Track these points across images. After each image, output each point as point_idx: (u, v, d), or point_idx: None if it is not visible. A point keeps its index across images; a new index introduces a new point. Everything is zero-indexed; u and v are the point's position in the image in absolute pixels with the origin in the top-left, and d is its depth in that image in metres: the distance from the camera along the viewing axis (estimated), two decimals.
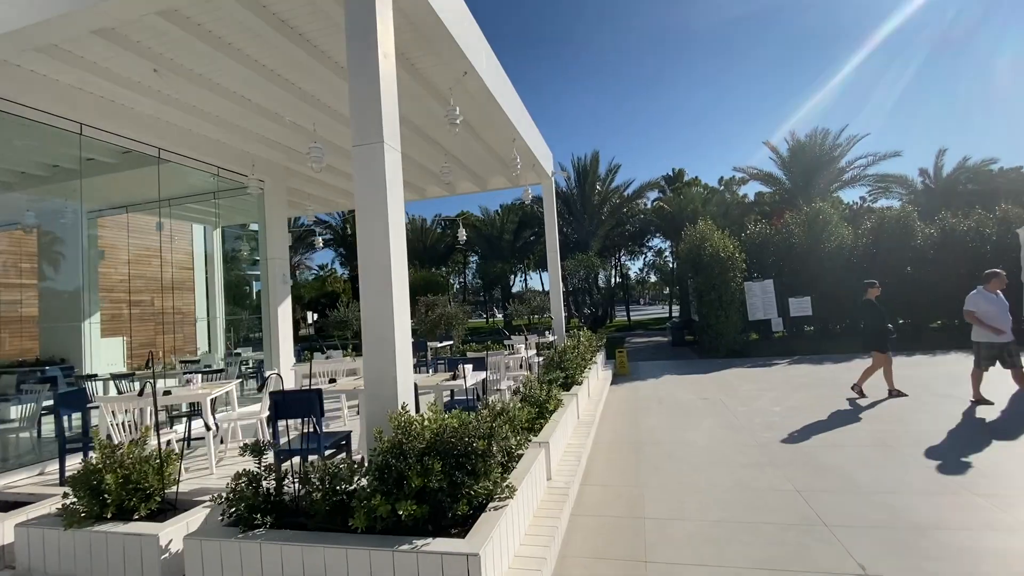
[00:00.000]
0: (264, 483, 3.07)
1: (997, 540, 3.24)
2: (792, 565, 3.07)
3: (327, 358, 8.37)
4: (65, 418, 5.45)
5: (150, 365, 9.04)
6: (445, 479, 2.69)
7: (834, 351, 12.75)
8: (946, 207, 17.76)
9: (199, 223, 12.27)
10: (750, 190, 34.38)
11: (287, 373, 7.86)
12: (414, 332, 19.84)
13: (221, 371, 6.47)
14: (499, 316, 40.34)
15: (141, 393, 4.25)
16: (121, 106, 6.54)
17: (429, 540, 2.53)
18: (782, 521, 3.67)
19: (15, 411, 6.95)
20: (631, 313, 38.28)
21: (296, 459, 4.08)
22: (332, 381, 5.29)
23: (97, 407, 4.72)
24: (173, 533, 3.07)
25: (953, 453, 4.86)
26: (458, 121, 5.82)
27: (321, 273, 43.41)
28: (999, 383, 6.90)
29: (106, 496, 3.25)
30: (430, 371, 9.25)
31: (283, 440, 4.11)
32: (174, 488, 3.44)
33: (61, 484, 4.62)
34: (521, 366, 7.13)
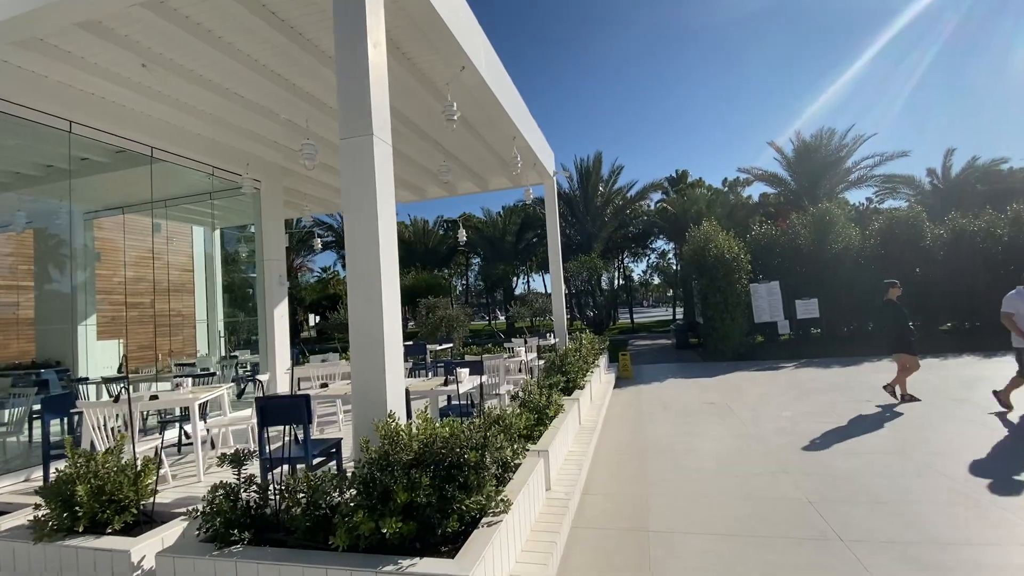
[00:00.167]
0: (245, 495, 2.90)
1: None
2: None
3: (323, 361, 8.19)
4: (58, 422, 5.34)
5: (122, 370, 8.82)
6: (434, 493, 2.49)
7: (842, 354, 12.51)
8: (955, 208, 17.47)
9: (197, 224, 12.13)
10: (754, 191, 34.16)
11: (282, 376, 7.69)
12: (414, 335, 19.72)
13: (213, 374, 6.29)
14: (502, 318, 40.13)
15: (117, 399, 4.08)
16: (111, 103, 6.40)
17: (416, 560, 2.34)
18: (795, 535, 3.46)
19: (4, 415, 6.82)
20: (634, 315, 38.02)
21: (286, 468, 3.91)
22: (324, 386, 5.10)
23: (80, 412, 4.55)
24: (146, 549, 2.89)
25: (974, 461, 4.64)
26: (455, 117, 5.65)
27: (324, 275, 43.34)
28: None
29: (77, 508, 3.08)
30: (429, 374, 9.06)
31: (276, 446, 3.94)
32: (153, 499, 3.26)
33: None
34: (520, 370, 6.94)
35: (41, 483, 4.80)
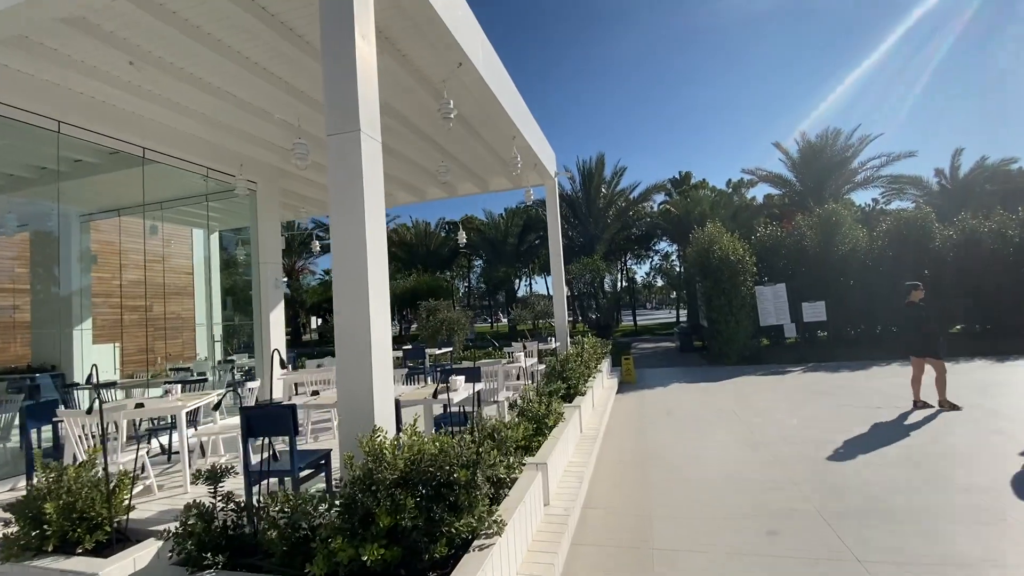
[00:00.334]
0: (222, 514, 2.72)
1: None
2: None
3: (319, 366, 8.02)
4: (50, 429, 5.18)
5: (91, 381, 8.63)
6: (420, 516, 2.31)
7: (850, 357, 12.27)
8: (964, 209, 17.19)
9: (194, 226, 11.97)
10: (759, 193, 33.87)
11: (276, 382, 7.52)
12: (414, 338, 19.52)
13: (204, 380, 6.13)
14: (504, 321, 39.94)
15: (90, 411, 3.91)
16: (101, 103, 6.26)
17: None
18: (807, 554, 3.26)
19: None
20: (638, 318, 37.76)
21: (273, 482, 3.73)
22: (315, 393, 4.92)
23: (61, 420, 4.39)
24: (116, 572, 2.71)
25: (994, 472, 4.42)
26: (452, 115, 5.49)
27: (326, 277, 43.23)
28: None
29: (47, 527, 2.90)
30: (428, 379, 8.88)
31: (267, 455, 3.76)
32: (127, 516, 3.08)
33: None
34: (519, 377, 6.75)
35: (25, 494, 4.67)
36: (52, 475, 3.05)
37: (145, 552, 2.89)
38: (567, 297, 29.43)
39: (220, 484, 2.73)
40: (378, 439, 2.57)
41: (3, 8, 4.19)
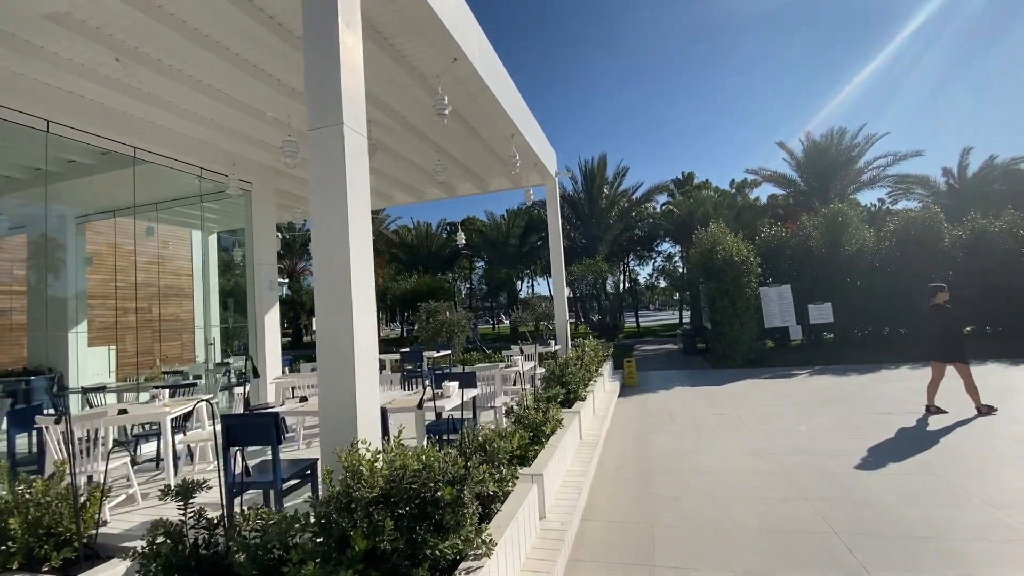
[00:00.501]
0: (194, 531, 2.55)
1: None
2: None
3: (314, 370, 7.85)
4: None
5: (55, 390, 8.45)
6: (401, 538, 2.13)
7: (857, 360, 12.02)
8: (973, 208, 16.90)
9: (191, 228, 11.84)
10: (763, 193, 33.63)
11: (270, 385, 7.36)
12: (414, 340, 19.31)
13: (194, 385, 5.97)
14: (506, 323, 39.74)
15: (59, 420, 3.75)
16: (90, 102, 6.12)
17: None
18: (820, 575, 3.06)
19: None
20: (640, 319, 37.50)
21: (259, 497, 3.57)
22: (304, 399, 4.75)
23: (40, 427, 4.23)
24: None
25: (1020, 484, 4.20)
26: (446, 112, 5.32)
27: None
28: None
29: (11, 543, 2.74)
30: (426, 382, 8.70)
31: (255, 462, 3.60)
32: (96, 532, 2.91)
33: None
34: (514, 382, 6.57)
35: None
36: (20, 487, 2.89)
37: (113, 572, 2.72)
38: (569, 299, 29.20)
39: (192, 499, 2.56)
40: (357, 454, 2.39)
41: None
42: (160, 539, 2.42)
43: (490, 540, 2.46)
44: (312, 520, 2.22)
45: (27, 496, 2.91)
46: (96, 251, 10.92)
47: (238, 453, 3.18)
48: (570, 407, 5.80)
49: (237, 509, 2.92)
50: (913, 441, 5.61)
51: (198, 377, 10.77)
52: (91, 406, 6.61)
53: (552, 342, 10.48)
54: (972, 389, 6.52)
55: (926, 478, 4.50)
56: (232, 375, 10.60)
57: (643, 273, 41.51)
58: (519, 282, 38.77)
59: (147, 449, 6.21)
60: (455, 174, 9.86)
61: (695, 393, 9.50)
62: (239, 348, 12.49)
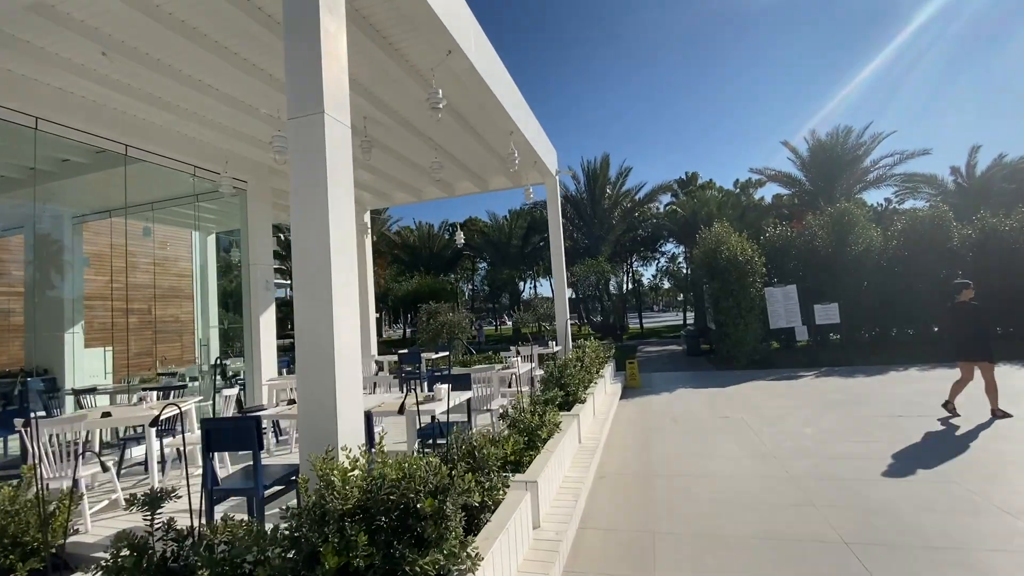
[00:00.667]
0: (163, 543, 2.40)
1: None
2: None
3: None
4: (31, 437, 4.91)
5: (47, 391, 8.31)
6: (376, 554, 1.97)
7: (865, 362, 11.79)
8: (982, 207, 16.63)
9: (188, 228, 11.74)
10: (767, 193, 33.37)
11: (264, 387, 7.22)
12: (414, 341, 19.21)
13: (183, 387, 5.84)
14: (509, 324, 39.58)
15: (27, 424, 3.61)
16: (80, 98, 6.00)
17: None
18: None
19: None
20: (644, 320, 37.26)
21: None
22: (292, 402, 4.61)
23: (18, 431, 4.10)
24: None
25: None
26: (441, 106, 5.17)
27: None
28: None
29: None
30: (425, 385, 8.56)
31: (240, 467, 3.46)
32: (63, 542, 2.77)
33: None
34: (510, 384, 6.40)
35: None
36: None
37: None
38: (571, 299, 28.93)
39: (160, 508, 2.41)
40: (332, 461, 2.24)
41: None
42: (125, 552, 2.27)
43: (476, 554, 2.30)
44: (283, 533, 2.06)
45: None
46: (93, 252, 10.84)
47: (225, 457, 3.03)
48: (569, 410, 5.63)
49: (219, 517, 2.78)
50: (925, 445, 5.41)
51: (195, 379, 10.67)
52: (81, 408, 6.50)
53: (552, 343, 10.31)
54: (992, 391, 6.30)
55: (940, 484, 4.31)
56: (224, 377, 10.47)
57: (647, 274, 41.28)
58: (522, 283, 38.61)
59: (138, 452, 6.09)
60: (454, 172, 9.72)
61: (699, 395, 9.30)
62: (240, 350, 12.37)
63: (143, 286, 11.80)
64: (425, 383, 8.77)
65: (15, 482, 2.96)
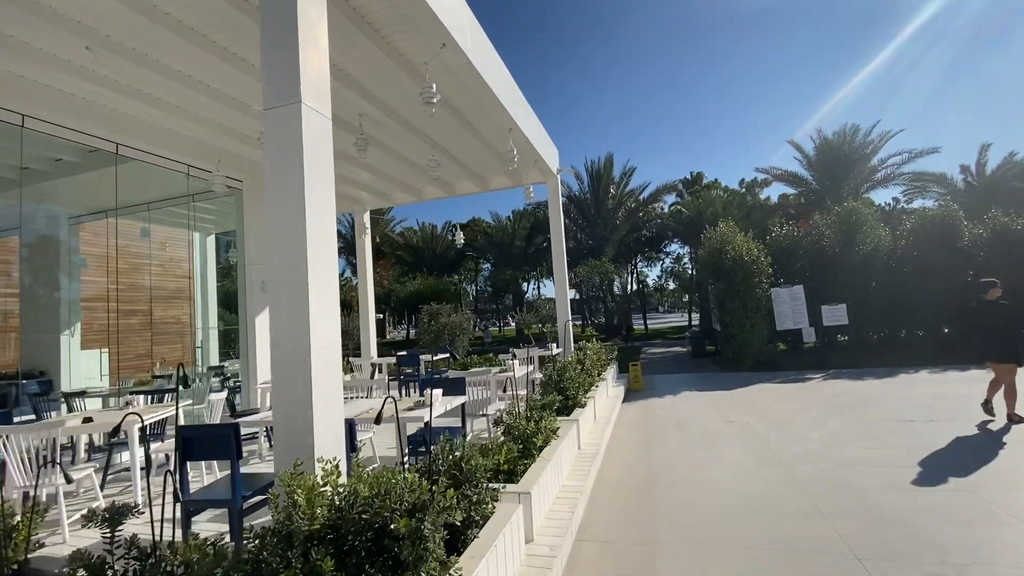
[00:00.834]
0: (123, 562, 2.24)
1: None
2: None
3: None
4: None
5: (33, 394, 8.16)
6: None
7: (873, 364, 11.53)
8: (992, 206, 16.31)
9: (187, 228, 11.63)
10: (773, 193, 33.01)
11: (258, 390, 7.08)
12: (414, 342, 19.09)
13: (173, 391, 5.70)
14: (512, 325, 39.40)
15: None
16: (69, 95, 5.88)
17: None
18: None
19: None
20: (649, 321, 36.96)
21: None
22: None
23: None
24: None
25: None
26: (434, 100, 5.01)
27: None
28: None
29: None
30: (389, 395, 8.38)
31: (218, 477, 3.30)
32: (25, 557, 2.62)
33: None
34: (505, 389, 6.22)
35: None
36: None
37: None
38: (575, 300, 28.69)
39: (119, 528, 2.25)
40: (300, 476, 2.07)
41: None
42: (81, 573, 2.11)
43: (459, 575, 2.13)
44: (245, 556, 1.89)
45: None
46: (90, 252, 10.75)
47: (213, 463, 2.87)
48: (568, 415, 5.45)
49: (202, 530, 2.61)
50: (938, 451, 5.19)
51: (192, 381, 10.54)
52: (71, 411, 6.38)
53: (553, 345, 10.13)
54: (1011, 395, 6.06)
55: (955, 493, 4.10)
56: (224, 379, 10.35)
57: (652, 275, 40.97)
58: (525, 284, 38.42)
59: (127, 457, 5.95)
60: (453, 172, 9.56)
61: (703, 398, 9.10)
62: (239, 352, 12.23)
63: (141, 287, 11.72)
64: (418, 387, 8.61)
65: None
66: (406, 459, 3.39)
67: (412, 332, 35.16)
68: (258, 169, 8.46)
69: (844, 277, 13.30)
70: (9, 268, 10.16)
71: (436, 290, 27.82)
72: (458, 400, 4.46)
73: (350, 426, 3.06)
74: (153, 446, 4.98)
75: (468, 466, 2.66)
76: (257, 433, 6.15)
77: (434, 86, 5.00)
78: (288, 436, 2.52)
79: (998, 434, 5.67)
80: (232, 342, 12.17)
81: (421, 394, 4.17)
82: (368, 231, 11.62)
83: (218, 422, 5.07)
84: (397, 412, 2.82)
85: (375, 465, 5.09)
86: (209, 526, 3.86)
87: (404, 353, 9.62)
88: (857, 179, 22.88)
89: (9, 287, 10.16)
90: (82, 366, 10.30)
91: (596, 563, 3.34)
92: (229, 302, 13.29)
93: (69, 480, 2.79)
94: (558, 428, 4.57)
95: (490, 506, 2.70)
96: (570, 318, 10.15)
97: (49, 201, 9.45)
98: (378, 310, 36.66)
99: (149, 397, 5.59)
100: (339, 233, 34.92)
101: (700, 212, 26.13)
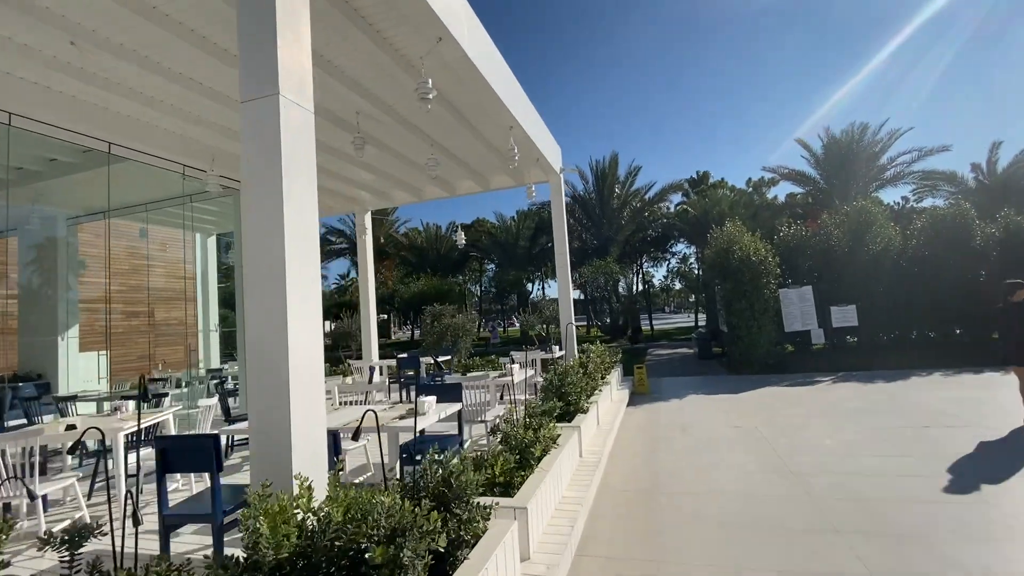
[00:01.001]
0: None
1: None
2: None
3: None
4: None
5: (14, 398, 8.03)
6: None
7: (884, 366, 11.26)
8: (1005, 205, 15.95)
9: (186, 229, 11.53)
10: (780, 192, 32.68)
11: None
12: (418, 343, 18.94)
13: (165, 394, 5.56)
14: (516, 325, 39.21)
15: None
16: (58, 93, 5.74)
17: None
18: None
19: None
20: (655, 322, 36.67)
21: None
22: None
23: None
24: None
25: None
26: (430, 96, 4.83)
27: (343, 283, 43.12)
28: None
29: None
30: (366, 409, 8.20)
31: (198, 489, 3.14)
32: (36, 563, 2.46)
33: None
34: (502, 395, 6.04)
35: None
36: None
37: None
38: (581, 301, 28.42)
39: (80, 549, 2.08)
40: (267, 500, 1.89)
41: None
42: None
43: None
44: None
45: None
46: (89, 253, 10.68)
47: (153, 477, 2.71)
48: (570, 421, 5.26)
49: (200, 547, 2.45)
50: (958, 460, 4.96)
51: (190, 384, 10.45)
52: (63, 416, 6.26)
53: (556, 347, 9.93)
54: None
55: (978, 507, 3.88)
56: (223, 381, 10.23)
57: (657, 275, 40.66)
58: (530, 284, 38.23)
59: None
60: (454, 171, 9.39)
61: (710, 402, 8.88)
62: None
63: (142, 289, 11.64)
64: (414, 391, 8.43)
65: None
66: (393, 473, 3.22)
67: (417, 333, 35.05)
68: None
69: (853, 277, 13.02)
70: (8, 269, 10.10)
71: (440, 291, 27.68)
72: (453, 408, 4.28)
73: (334, 437, 2.89)
74: (144, 452, 4.84)
75: (458, 482, 2.48)
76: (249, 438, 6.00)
77: (430, 81, 4.83)
78: (264, 453, 2.35)
79: (1015, 442, 5.42)
80: (234, 344, 12.07)
81: (411, 399, 3.99)
82: (368, 231, 11.47)
83: (207, 431, 4.93)
84: (379, 425, 2.64)
85: (368, 474, 4.96)
86: (193, 539, 3.71)
87: (404, 355, 9.46)
88: (866, 178, 22.54)
89: (8, 288, 10.09)
90: (80, 368, 10.22)
91: None
92: (231, 303, 13.20)
93: (32, 497, 2.63)
94: (558, 436, 4.39)
95: (481, 523, 2.52)
96: (573, 319, 9.95)
97: (44, 201, 9.36)
98: (383, 311, 36.61)
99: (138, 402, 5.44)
100: (343, 233, 34.89)
101: (706, 212, 25.85)
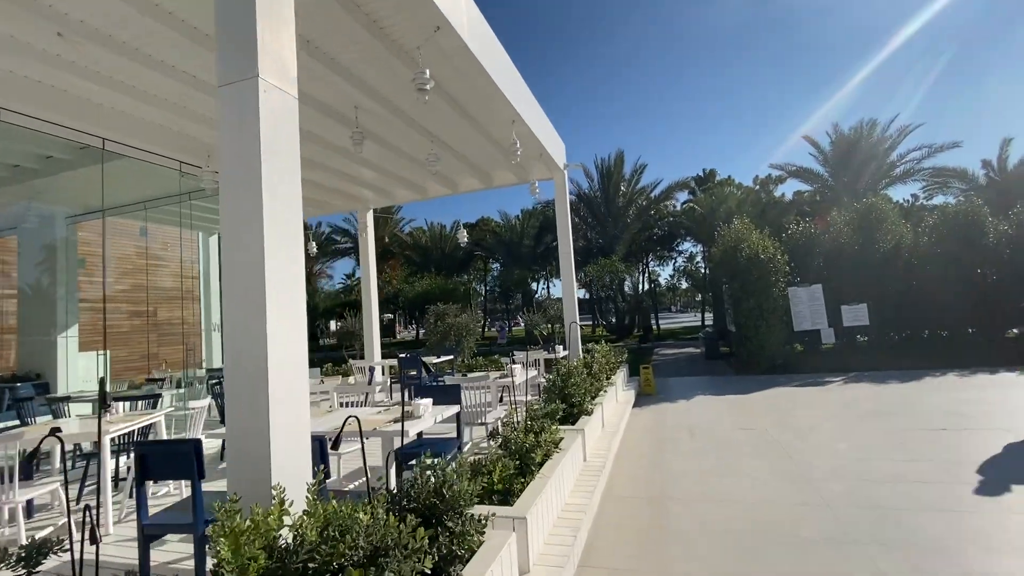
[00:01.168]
0: None
1: None
2: None
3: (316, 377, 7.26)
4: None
5: (8, 399, 7.90)
6: None
7: (896, 366, 11.00)
8: (1018, 201, 15.60)
9: (186, 227, 11.43)
10: (788, 190, 32.26)
11: None
12: (422, 343, 18.80)
13: (158, 396, 5.43)
14: (521, 325, 39.04)
15: None
16: (48, 87, 5.58)
17: None
18: None
19: None
20: (661, 321, 36.38)
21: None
22: None
23: None
24: None
25: None
26: (428, 87, 4.66)
27: (348, 282, 43.07)
28: None
29: None
30: (349, 416, 8.04)
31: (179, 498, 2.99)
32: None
33: None
34: (502, 398, 5.87)
35: None
36: None
37: None
38: (586, 300, 28.19)
39: (40, 565, 1.93)
40: (233, 516, 1.73)
41: None
42: None
43: None
44: None
45: None
46: (88, 252, 10.59)
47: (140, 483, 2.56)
48: (573, 423, 5.08)
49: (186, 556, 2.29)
50: (976, 465, 4.74)
51: (188, 384, 10.34)
52: (56, 417, 6.14)
53: (560, 347, 9.75)
54: None
55: (999, 516, 3.68)
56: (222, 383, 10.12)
57: (664, 274, 40.35)
58: (535, 283, 38.04)
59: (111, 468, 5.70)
60: (455, 167, 9.23)
61: (718, 403, 8.67)
62: None
63: (142, 288, 11.55)
64: (412, 392, 8.27)
65: None
66: (382, 482, 3.06)
67: (421, 332, 34.95)
68: None
69: (864, 276, 12.76)
70: (7, 268, 10.03)
71: (445, 290, 27.53)
72: (451, 410, 4.11)
73: (321, 443, 2.72)
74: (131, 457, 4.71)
75: (451, 492, 2.31)
76: None
77: (428, 72, 4.66)
78: (241, 463, 2.18)
79: None
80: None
81: (412, 400, 3.82)
82: (370, 229, 11.32)
83: (198, 434, 4.79)
84: (362, 432, 2.47)
85: (363, 480, 4.80)
86: (181, 547, 3.56)
87: (405, 355, 9.31)
88: (875, 175, 22.18)
89: (8, 287, 10.03)
90: (80, 368, 10.13)
91: None
92: None
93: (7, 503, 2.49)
94: (561, 439, 4.21)
95: (474, 536, 2.35)
96: (577, 318, 9.76)
97: (43, 199, 9.28)
98: (388, 311, 36.54)
99: (130, 404, 5.32)
100: (347, 233, 34.83)
101: (713, 209, 25.56)
